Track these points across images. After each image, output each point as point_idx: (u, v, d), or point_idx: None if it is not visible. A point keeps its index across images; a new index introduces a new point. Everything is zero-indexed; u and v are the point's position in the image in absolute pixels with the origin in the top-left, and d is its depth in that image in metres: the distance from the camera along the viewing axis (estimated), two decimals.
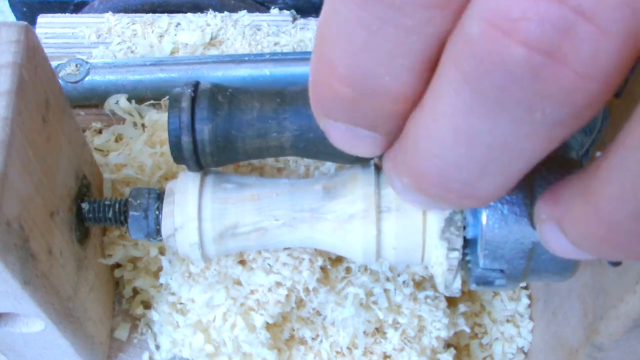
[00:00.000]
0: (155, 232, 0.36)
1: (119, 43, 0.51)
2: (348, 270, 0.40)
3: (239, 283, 0.38)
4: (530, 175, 0.27)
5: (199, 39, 0.51)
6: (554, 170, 0.32)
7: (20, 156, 0.30)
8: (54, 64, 0.44)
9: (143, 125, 0.44)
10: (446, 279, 0.33)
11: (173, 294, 0.40)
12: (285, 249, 0.38)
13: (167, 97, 0.45)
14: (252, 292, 0.38)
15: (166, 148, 0.42)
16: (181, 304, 0.40)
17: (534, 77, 0.20)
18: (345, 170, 0.36)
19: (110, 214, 0.37)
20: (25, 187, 0.30)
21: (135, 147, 0.42)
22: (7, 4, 0.66)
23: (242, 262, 0.39)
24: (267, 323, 0.39)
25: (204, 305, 0.38)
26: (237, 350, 0.39)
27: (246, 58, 0.47)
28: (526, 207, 0.31)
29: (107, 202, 0.37)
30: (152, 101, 0.45)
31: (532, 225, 0.31)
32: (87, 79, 0.45)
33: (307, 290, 0.38)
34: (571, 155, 0.33)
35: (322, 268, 0.39)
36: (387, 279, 0.40)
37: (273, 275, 0.38)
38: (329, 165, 0.40)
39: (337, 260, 0.40)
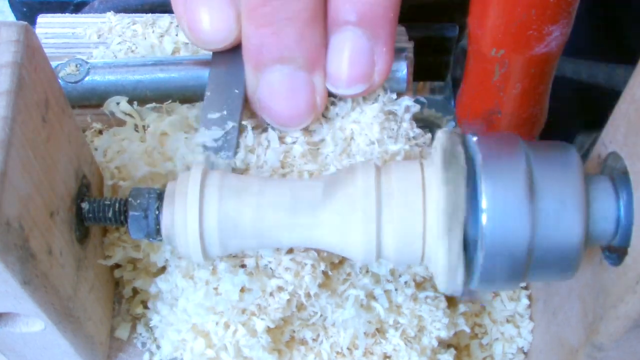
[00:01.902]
0: (155, 232, 0.36)
1: (119, 43, 0.51)
2: (349, 273, 0.40)
3: (243, 290, 0.38)
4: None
5: None
6: (549, 164, 0.32)
7: (20, 156, 0.30)
8: (54, 64, 0.44)
9: (144, 127, 0.44)
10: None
11: (174, 298, 0.40)
12: (287, 252, 0.38)
13: (169, 100, 0.45)
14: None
15: (166, 151, 0.42)
16: (182, 308, 0.40)
17: None
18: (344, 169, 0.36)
19: (110, 214, 0.37)
20: (25, 187, 0.30)
21: (135, 151, 0.42)
22: (7, 4, 0.66)
23: (243, 266, 0.39)
24: (268, 327, 0.39)
25: (205, 311, 0.38)
26: (238, 354, 0.39)
27: None
28: (527, 207, 0.31)
29: (107, 202, 0.37)
30: (154, 103, 0.45)
31: (532, 224, 0.32)
32: (87, 79, 0.45)
33: (308, 295, 0.38)
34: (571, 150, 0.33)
35: (324, 272, 0.39)
36: (388, 281, 0.40)
37: (275, 279, 0.38)
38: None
39: (340, 263, 0.40)
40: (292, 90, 0.39)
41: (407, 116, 0.42)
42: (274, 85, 0.39)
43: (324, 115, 0.43)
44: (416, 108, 0.43)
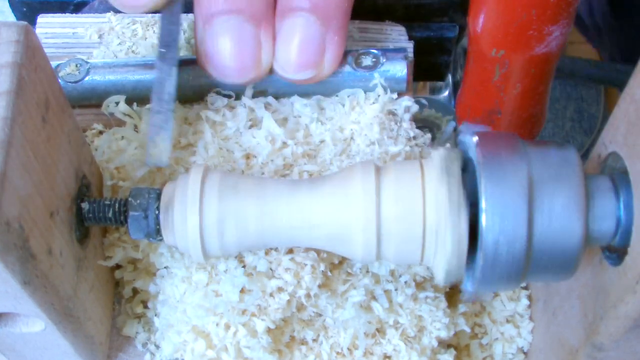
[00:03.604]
0: (155, 232, 0.36)
1: (119, 43, 0.51)
2: (349, 274, 0.40)
3: (243, 291, 0.38)
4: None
5: None
6: (549, 164, 0.32)
7: (20, 156, 0.30)
8: (54, 64, 0.44)
9: None
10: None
11: (175, 299, 0.40)
12: (287, 252, 0.38)
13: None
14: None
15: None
16: (182, 309, 0.39)
17: None
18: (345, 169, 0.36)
19: (110, 214, 0.37)
20: (25, 187, 0.30)
21: (135, 151, 0.42)
22: (7, 4, 0.66)
23: (243, 267, 0.39)
24: (269, 328, 0.39)
25: (205, 312, 0.38)
26: (239, 355, 0.39)
27: None
28: (526, 207, 0.31)
29: (107, 202, 0.37)
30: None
31: (532, 224, 0.32)
32: (87, 79, 0.45)
33: (308, 295, 0.38)
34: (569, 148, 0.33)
35: (324, 273, 0.39)
36: (388, 281, 0.40)
37: (275, 280, 0.38)
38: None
39: (339, 263, 0.40)
40: (238, 41, 0.39)
41: (407, 116, 0.42)
42: (220, 36, 0.39)
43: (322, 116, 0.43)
44: (415, 108, 0.43)
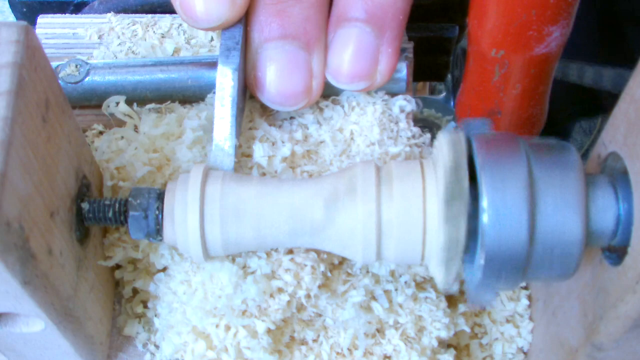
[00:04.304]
0: (155, 232, 0.36)
1: (119, 44, 0.51)
2: (349, 274, 0.40)
3: (243, 292, 0.38)
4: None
5: (201, 39, 0.51)
6: (549, 164, 0.32)
7: (20, 156, 0.30)
8: (54, 64, 0.44)
9: None
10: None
11: (175, 300, 0.40)
12: (287, 253, 0.38)
13: (169, 101, 0.45)
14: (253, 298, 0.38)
15: (165, 153, 0.42)
16: (182, 310, 0.39)
17: None
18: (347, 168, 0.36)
19: (110, 214, 0.37)
20: (25, 187, 0.30)
21: (135, 151, 0.42)
22: (7, 4, 0.66)
23: (243, 268, 0.39)
24: (269, 328, 0.39)
25: (205, 313, 0.38)
26: (239, 356, 0.39)
27: None
28: (527, 206, 0.31)
29: (107, 202, 0.37)
30: (153, 104, 0.45)
31: (532, 224, 0.32)
32: (87, 79, 0.45)
33: (308, 296, 0.38)
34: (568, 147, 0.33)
35: (323, 273, 0.39)
36: (388, 281, 0.41)
37: (275, 280, 0.38)
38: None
39: (339, 264, 0.40)
40: (291, 68, 0.39)
41: (403, 116, 0.42)
42: (274, 62, 0.39)
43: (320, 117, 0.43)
44: (410, 107, 0.43)
